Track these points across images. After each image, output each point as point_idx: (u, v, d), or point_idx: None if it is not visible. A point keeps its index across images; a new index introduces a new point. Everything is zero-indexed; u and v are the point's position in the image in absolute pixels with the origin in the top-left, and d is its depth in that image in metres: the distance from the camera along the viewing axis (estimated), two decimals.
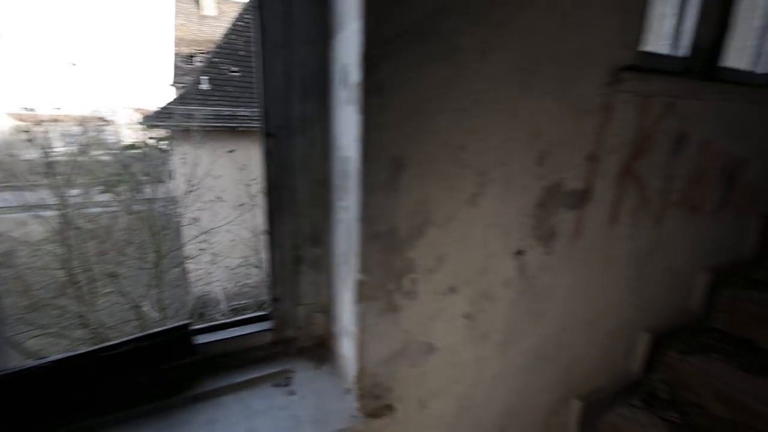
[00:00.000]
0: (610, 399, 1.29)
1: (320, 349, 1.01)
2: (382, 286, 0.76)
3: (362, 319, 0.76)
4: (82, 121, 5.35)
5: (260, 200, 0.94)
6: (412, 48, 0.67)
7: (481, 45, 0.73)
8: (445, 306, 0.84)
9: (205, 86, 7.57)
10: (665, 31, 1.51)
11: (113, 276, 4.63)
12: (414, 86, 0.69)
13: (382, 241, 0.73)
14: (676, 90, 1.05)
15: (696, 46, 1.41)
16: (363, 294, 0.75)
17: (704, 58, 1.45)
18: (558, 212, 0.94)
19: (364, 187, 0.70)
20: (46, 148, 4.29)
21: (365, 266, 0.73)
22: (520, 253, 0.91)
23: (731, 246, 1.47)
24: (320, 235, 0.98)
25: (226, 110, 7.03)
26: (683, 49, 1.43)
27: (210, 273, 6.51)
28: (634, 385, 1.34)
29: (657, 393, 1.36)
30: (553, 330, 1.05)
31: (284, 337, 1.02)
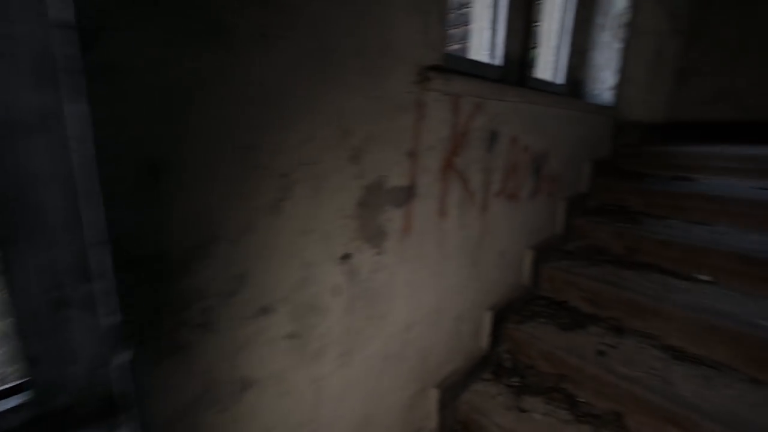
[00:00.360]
0: (465, 379, 1.38)
1: (112, 412, 0.78)
2: (156, 325, 0.60)
3: (135, 369, 0.59)
4: None
5: None
6: (159, 21, 0.53)
7: (261, 29, 0.64)
8: (259, 330, 0.73)
9: None
10: (485, 43, 1.71)
11: None
12: (169, 70, 0.55)
13: (146, 267, 0.57)
14: (485, 92, 1.17)
15: (508, 57, 1.64)
16: (129, 337, 0.58)
17: (515, 67, 1.69)
18: (384, 210, 0.92)
19: (106, 200, 0.53)
20: None
21: (126, 303, 0.57)
22: (346, 257, 0.86)
23: (547, 225, 1.76)
24: (94, 265, 0.75)
25: None
26: (498, 58, 1.64)
27: None
28: (485, 361, 1.47)
29: (503, 363, 1.52)
30: (398, 328, 1.05)
31: (53, 408, 0.75)
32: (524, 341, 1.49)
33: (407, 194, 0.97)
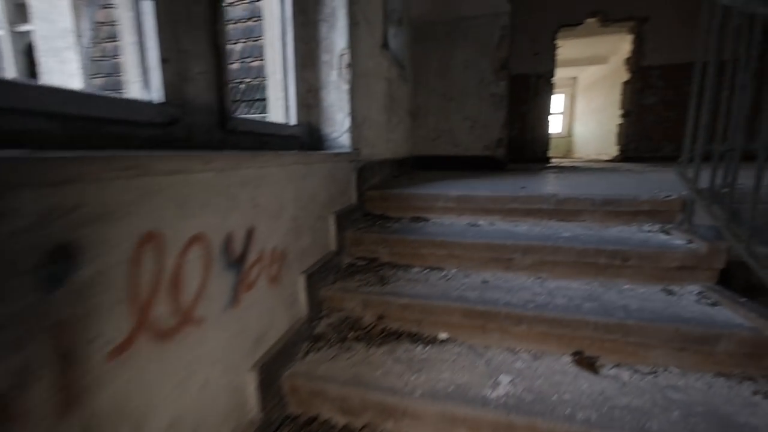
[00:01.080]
0: None
1: None
2: None
3: None
4: None
5: None
6: None
7: None
8: None
9: None
10: (135, 66, 1.09)
11: None
12: None
13: None
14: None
15: (176, 90, 1.07)
16: None
17: (199, 108, 1.16)
18: None
19: None
20: None
21: None
22: None
23: (279, 320, 1.31)
24: None
25: None
26: (156, 92, 1.06)
27: None
28: None
29: None
30: None
31: None
32: None
33: None
